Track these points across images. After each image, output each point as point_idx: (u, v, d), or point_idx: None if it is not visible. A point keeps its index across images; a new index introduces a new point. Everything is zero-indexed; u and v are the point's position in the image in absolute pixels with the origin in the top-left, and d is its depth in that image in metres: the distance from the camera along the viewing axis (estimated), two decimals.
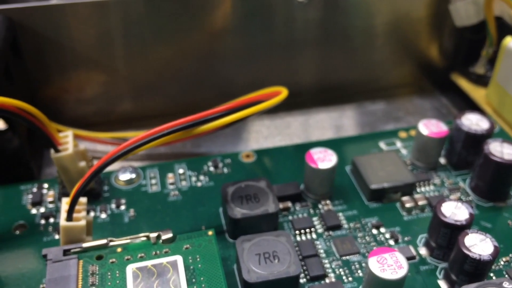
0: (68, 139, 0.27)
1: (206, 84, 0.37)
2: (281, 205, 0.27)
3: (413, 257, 0.25)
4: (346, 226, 0.27)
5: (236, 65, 0.37)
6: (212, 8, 0.34)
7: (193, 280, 0.22)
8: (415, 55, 0.41)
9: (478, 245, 0.23)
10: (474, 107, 0.37)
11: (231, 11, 0.35)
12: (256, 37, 0.36)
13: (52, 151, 0.26)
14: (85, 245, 0.23)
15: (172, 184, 0.29)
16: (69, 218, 0.23)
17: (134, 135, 0.33)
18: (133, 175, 0.29)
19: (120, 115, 0.37)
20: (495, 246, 0.22)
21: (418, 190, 0.29)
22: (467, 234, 0.23)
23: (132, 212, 0.27)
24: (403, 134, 0.33)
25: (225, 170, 0.30)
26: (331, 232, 0.26)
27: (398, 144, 0.32)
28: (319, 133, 0.37)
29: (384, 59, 0.40)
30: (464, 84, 0.39)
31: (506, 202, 0.28)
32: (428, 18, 0.39)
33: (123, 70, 0.35)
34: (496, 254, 0.22)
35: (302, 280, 0.24)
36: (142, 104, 0.37)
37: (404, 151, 0.32)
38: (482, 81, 0.38)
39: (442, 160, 0.31)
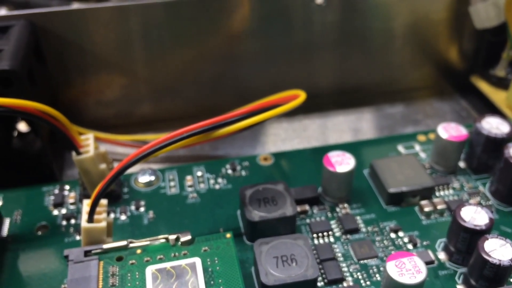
0: (89, 142, 0.27)
1: (225, 87, 0.38)
2: (298, 208, 0.27)
3: (431, 262, 0.25)
4: (364, 229, 0.27)
5: (254, 68, 0.37)
6: (231, 11, 0.34)
7: (211, 282, 0.22)
8: (435, 57, 0.41)
9: (498, 250, 0.22)
10: (494, 110, 0.37)
11: (249, 14, 0.35)
12: (274, 39, 0.36)
13: (73, 153, 0.27)
14: (105, 246, 0.23)
15: (190, 186, 0.29)
16: (90, 219, 0.23)
17: (153, 138, 0.34)
18: (152, 177, 0.30)
19: (139, 118, 0.38)
20: None
21: (437, 194, 0.29)
22: (487, 239, 0.23)
23: (151, 214, 0.28)
24: (422, 138, 0.33)
25: (243, 172, 0.30)
26: (349, 236, 0.26)
27: (417, 147, 0.32)
28: (337, 136, 0.37)
29: (403, 61, 0.40)
30: (484, 87, 0.39)
31: None
32: (447, 20, 0.39)
33: (142, 73, 0.36)
34: None
35: (319, 284, 0.24)
36: (161, 106, 0.38)
37: (423, 155, 0.31)
38: (502, 83, 0.38)
39: (462, 164, 0.31)
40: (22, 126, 0.33)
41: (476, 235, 0.23)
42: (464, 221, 0.24)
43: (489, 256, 0.22)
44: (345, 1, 0.36)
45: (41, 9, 0.32)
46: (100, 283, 0.22)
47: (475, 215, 0.24)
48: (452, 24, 0.39)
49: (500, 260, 0.22)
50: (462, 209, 0.24)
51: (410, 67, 0.41)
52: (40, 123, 0.27)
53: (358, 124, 0.38)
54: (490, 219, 0.24)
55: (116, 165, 0.24)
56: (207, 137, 0.25)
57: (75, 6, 0.35)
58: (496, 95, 0.38)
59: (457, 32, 0.40)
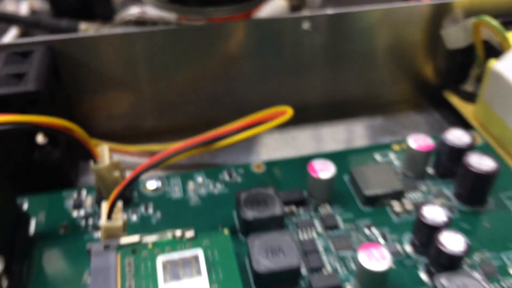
0: (104, 153, 0.31)
1: (222, 103, 0.42)
2: (286, 209, 0.32)
3: (399, 253, 0.29)
4: (342, 227, 0.31)
5: (249, 86, 0.41)
6: (228, 36, 0.38)
7: (212, 270, 0.26)
8: (412, 74, 0.45)
9: (452, 242, 0.27)
10: (463, 122, 0.41)
11: (245, 39, 0.39)
12: (267, 60, 0.40)
13: (91, 163, 0.31)
14: (122, 241, 0.27)
15: (192, 191, 0.34)
16: (109, 219, 0.27)
17: (158, 148, 0.38)
18: (159, 184, 0.34)
19: (145, 130, 0.42)
20: (466, 243, 0.27)
21: (406, 196, 0.33)
22: (443, 233, 0.27)
23: (158, 215, 0.32)
24: (396, 147, 0.37)
25: (238, 179, 0.34)
26: (329, 232, 0.30)
27: (392, 156, 0.36)
28: (323, 146, 0.41)
29: (383, 78, 0.44)
30: (455, 101, 0.43)
31: (484, 207, 0.32)
32: (423, 42, 0.43)
33: (147, 91, 0.40)
34: (467, 250, 0.26)
35: (303, 271, 0.28)
36: (164, 120, 0.42)
37: (396, 162, 0.36)
38: (471, 98, 0.42)
39: (430, 170, 0.35)
40: (40, 139, 0.37)
41: (435, 230, 0.28)
42: (425, 218, 0.28)
43: (444, 247, 0.26)
44: (330, 26, 0.40)
45: (58, 36, 0.36)
46: (118, 272, 0.26)
47: (435, 213, 0.28)
48: (427, 45, 0.43)
49: (453, 250, 0.26)
50: (424, 208, 0.29)
51: (390, 83, 0.45)
52: (62, 136, 0.31)
53: (342, 134, 0.43)
54: (448, 217, 0.28)
55: (127, 173, 0.28)
56: (207, 148, 0.30)
57: (90, 33, 0.39)
58: (465, 109, 0.42)
59: (431, 52, 0.44)
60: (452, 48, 0.42)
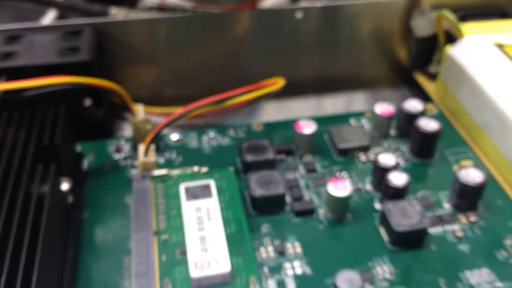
0: (140, 110, 0.41)
1: (230, 76, 0.51)
2: (278, 157, 0.41)
3: (361, 190, 0.39)
4: (320, 171, 0.40)
5: (252, 64, 0.50)
6: (236, 22, 0.47)
7: (220, 194, 0.36)
8: (388, 57, 0.53)
9: (397, 179, 0.36)
10: (427, 97, 0.50)
11: (250, 25, 0.48)
12: (268, 43, 0.49)
13: (130, 117, 0.41)
14: (154, 173, 0.37)
15: (206, 142, 0.43)
16: (146, 156, 0.37)
17: (177, 110, 0.47)
18: (181, 136, 0.43)
19: (166, 97, 0.51)
20: (407, 179, 0.36)
21: (371, 151, 0.42)
22: (392, 172, 0.37)
23: (180, 159, 0.41)
24: (368, 115, 0.46)
25: (242, 135, 0.44)
26: (309, 174, 0.40)
27: (364, 121, 0.46)
28: (312, 113, 0.50)
29: (365, 60, 0.53)
30: (421, 80, 0.52)
31: (431, 160, 0.42)
32: (399, 30, 0.52)
33: (168, 65, 0.49)
34: (407, 184, 0.36)
35: (288, 199, 0.38)
36: (182, 89, 0.51)
37: (367, 126, 0.45)
38: (434, 78, 0.51)
39: (393, 132, 0.44)
40: (87, 102, 0.46)
41: (386, 171, 0.37)
42: (379, 162, 0.38)
43: (391, 182, 0.36)
44: (320, 16, 0.49)
45: (100, 19, 0.46)
46: (153, 194, 0.36)
47: (387, 160, 0.38)
48: (401, 33, 0.52)
49: (396, 184, 0.36)
50: (380, 156, 0.38)
51: (370, 65, 0.53)
52: (112, 96, 0.40)
53: (329, 105, 0.52)
54: (396, 162, 0.38)
55: (155, 127, 0.38)
56: (216, 107, 0.39)
57: (122, 17, 0.48)
58: (429, 86, 0.51)
59: (405, 39, 0.52)
60: (420, 36, 0.51)
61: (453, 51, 0.46)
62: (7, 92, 0.37)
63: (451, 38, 0.49)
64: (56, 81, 0.36)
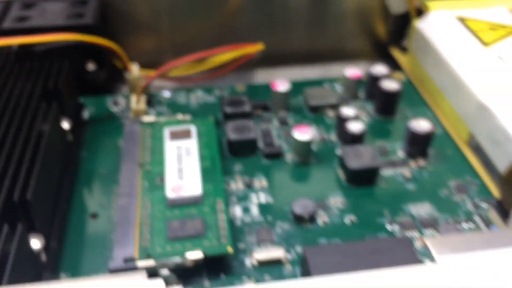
0: (135, 68, 0.47)
1: (225, 44, 0.56)
2: (256, 112, 0.47)
3: (325, 139, 0.44)
4: (291, 123, 0.46)
5: (246, 34, 0.55)
6: None
7: (200, 137, 0.41)
8: (369, 32, 0.58)
9: (354, 127, 0.41)
10: (400, 69, 0.55)
11: None
12: (262, 17, 0.54)
13: (127, 73, 0.46)
14: (144, 119, 0.43)
15: (194, 100, 0.49)
16: (137, 104, 0.43)
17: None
18: (171, 94, 0.49)
19: (165, 63, 0.57)
20: (363, 127, 0.41)
21: (340, 109, 0.47)
22: (350, 122, 0.42)
23: (169, 112, 0.47)
24: (341, 80, 0.52)
25: (226, 94, 0.50)
26: (282, 126, 0.45)
27: (337, 85, 0.51)
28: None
29: (348, 34, 0.57)
30: (396, 53, 0.57)
31: (392, 116, 0.47)
32: (378, 7, 0.57)
33: (168, 33, 0.54)
34: (363, 131, 0.41)
35: (260, 144, 0.43)
36: (180, 56, 0.57)
37: (339, 89, 0.50)
38: (406, 51, 0.56)
39: (362, 95, 0.49)
40: (90, 67, 0.52)
41: (345, 120, 0.42)
42: (341, 113, 0.43)
43: (348, 129, 0.41)
44: None
45: None
46: (141, 134, 0.41)
47: (348, 111, 0.43)
48: (380, 11, 0.57)
49: (353, 131, 0.41)
50: (342, 108, 0.43)
51: (353, 39, 0.57)
52: (110, 54, 0.46)
53: (311, 75, 0.57)
54: (356, 114, 0.43)
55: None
56: (204, 68, 0.45)
57: None
58: (402, 59, 0.56)
59: (383, 16, 0.58)
60: (394, 13, 0.56)
61: (420, 24, 0.51)
62: (21, 46, 0.43)
63: (422, 14, 0.54)
64: (62, 38, 0.42)
